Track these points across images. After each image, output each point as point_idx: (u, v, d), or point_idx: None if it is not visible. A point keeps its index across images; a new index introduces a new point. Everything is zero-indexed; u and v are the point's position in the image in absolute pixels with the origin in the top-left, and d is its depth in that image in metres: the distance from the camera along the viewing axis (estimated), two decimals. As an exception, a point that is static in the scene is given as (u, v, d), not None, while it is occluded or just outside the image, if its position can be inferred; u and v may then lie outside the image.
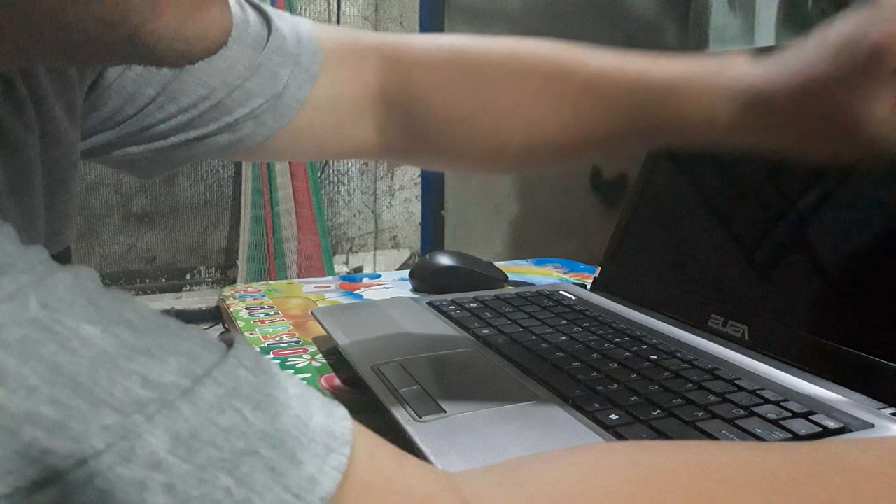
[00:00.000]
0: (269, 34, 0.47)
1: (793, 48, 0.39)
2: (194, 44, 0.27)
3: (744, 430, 0.42)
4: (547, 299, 0.70)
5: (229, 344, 0.24)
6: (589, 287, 0.75)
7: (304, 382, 0.26)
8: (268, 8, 0.49)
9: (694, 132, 0.42)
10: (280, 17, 0.49)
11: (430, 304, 0.69)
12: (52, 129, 0.41)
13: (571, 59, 0.46)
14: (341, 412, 0.25)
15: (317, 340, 0.67)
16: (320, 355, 0.63)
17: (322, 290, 0.88)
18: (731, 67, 0.41)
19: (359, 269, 2.48)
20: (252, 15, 0.48)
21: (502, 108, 0.48)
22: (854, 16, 0.36)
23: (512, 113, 0.48)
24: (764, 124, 0.40)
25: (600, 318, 0.63)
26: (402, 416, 0.44)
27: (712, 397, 0.46)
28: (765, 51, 0.42)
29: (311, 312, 0.67)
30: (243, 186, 2.18)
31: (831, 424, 0.42)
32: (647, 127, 0.44)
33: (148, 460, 0.20)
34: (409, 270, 0.89)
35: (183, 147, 0.48)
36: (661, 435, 0.41)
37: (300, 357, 0.63)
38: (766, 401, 0.45)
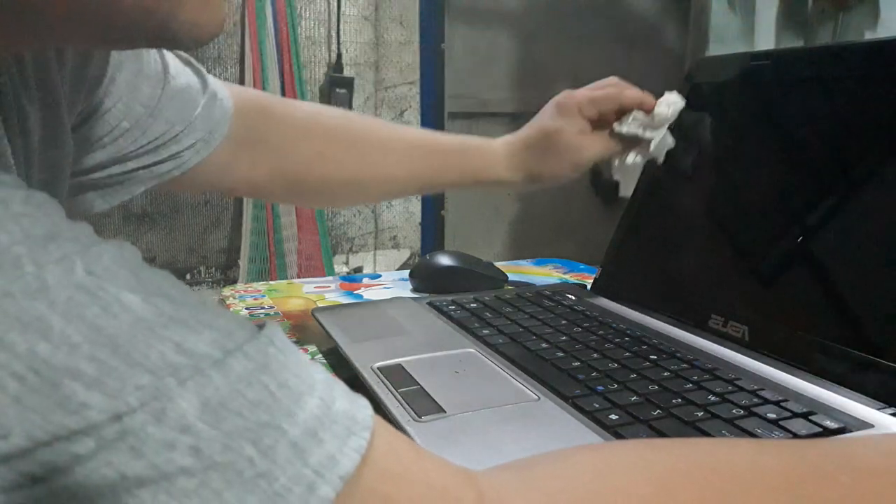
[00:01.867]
0: (205, 83, 0.58)
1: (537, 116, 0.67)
2: (205, 29, 0.31)
3: (743, 430, 0.42)
4: (547, 299, 0.70)
5: (261, 326, 0.26)
6: (589, 287, 0.75)
7: (329, 372, 0.27)
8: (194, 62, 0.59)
9: (485, 177, 0.67)
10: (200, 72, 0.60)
11: (430, 304, 0.69)
12: (58, 132, 0.44)
13: (394, 129, 0.70)
14: (363, 401, 0.26)
15: (317, 340, 0.67)
16: (320, 355, 0.63)
17: (322, 290, 0.88)
18: (496, 141, 0.68)
19: (359, 269, 2.48)
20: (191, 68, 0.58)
21: (350, 160, 0.66)
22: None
23: (357, 164, 0.66)
24: (525, 164, 0.67)
25: (600, 319, 0.63)
26: (402, 416, 0.44)
27: (712, 397, 0.46)
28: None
29: (311, 312, 0.67)
30: (243, 186, 2.17)
31: (831, 424, 0.42)
32: (456, 172, 0.68)
33: (178, 422, 0.22)
34: (409, 270, 0.89)
35: (130, 174, 0.55)
36: (661, 435, 0.41)
37: (300, 357, 0.63)
38: (766, 401, 0.45)
